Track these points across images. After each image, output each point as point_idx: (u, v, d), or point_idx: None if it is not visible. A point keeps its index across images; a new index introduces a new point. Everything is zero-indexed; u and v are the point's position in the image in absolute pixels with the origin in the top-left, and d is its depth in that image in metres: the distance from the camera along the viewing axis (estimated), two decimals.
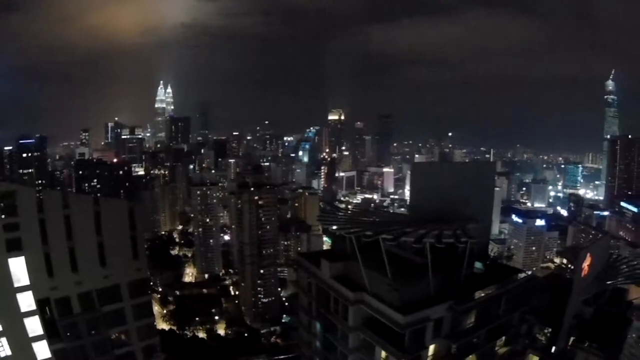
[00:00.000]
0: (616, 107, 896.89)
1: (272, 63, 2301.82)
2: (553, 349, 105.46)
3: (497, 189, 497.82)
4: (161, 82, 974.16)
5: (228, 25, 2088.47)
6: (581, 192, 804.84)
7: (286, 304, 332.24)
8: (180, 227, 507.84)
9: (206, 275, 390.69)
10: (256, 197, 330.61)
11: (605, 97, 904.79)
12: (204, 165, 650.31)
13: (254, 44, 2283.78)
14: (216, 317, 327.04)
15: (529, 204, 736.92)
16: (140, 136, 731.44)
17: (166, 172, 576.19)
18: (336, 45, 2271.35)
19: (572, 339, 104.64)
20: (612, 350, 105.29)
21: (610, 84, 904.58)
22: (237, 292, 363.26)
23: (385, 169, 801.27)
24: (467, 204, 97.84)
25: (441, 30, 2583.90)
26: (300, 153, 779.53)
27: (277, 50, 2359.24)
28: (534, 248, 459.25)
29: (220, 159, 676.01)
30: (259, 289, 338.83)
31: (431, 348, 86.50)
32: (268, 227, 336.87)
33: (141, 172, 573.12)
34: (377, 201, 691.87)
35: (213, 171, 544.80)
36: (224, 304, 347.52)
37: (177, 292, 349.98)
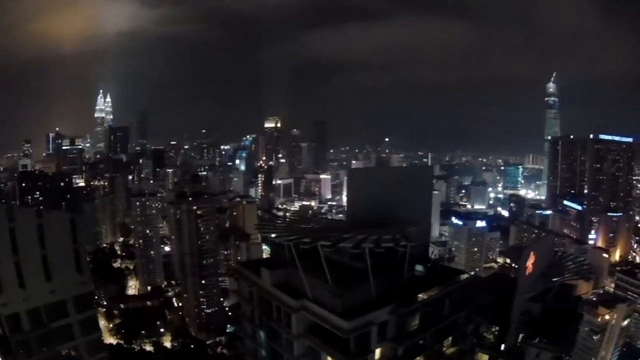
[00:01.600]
0: (557, 108, 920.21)
1: (209, 71, 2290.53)
2: (502, 346, 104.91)
3: (435, 192, 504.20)
4: (101, 91, 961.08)
5: (167, 33, 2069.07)
6: (522, 192, 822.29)
7: (229, 313, 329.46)
8: (121, 239, 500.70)
9: (149, 288, 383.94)
10: (194, 207, 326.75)
11: (546, 99, 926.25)
12: (142, 175, 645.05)
13: (192, 51, 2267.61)
14: (162, 330, 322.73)
15: (469, 206, 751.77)
16: (80, 147, 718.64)
17: (106, 183, 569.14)
18: (273, 53, 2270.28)
19: (521, 336, 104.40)
20: (564, 345, 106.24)
21: (551, 86, 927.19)
22: (180, 304, 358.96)
23: (322, 176, 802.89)
24: (405, 208, 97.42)
25: (379, 35, 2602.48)
26: (238, 161, 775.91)
27: (214, 57, 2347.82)
28: (475, 249, 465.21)
29: (158, 169, 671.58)
30: (201, 299, 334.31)
31: (377, 352, 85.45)
32: (207, 237, 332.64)
33: (82, 183, 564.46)
34: (315, 208, 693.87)
35: (152, 181, 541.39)
36: (168, 315, 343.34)
37: (122, 306, 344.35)
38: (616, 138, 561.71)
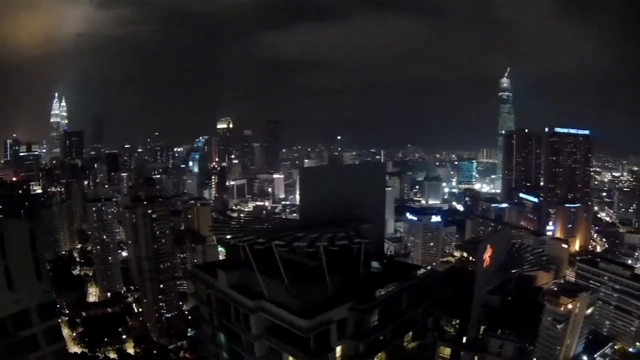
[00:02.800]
0: (511, 103, 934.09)
1: (163, 72, 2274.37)
2: (464, 339, 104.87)
3: (389, 188, 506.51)
4: (56, 95, 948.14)
5: (122, 35, 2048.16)
6: (477, 186, 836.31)
7: (189, 317, 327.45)
8: (79, 245, 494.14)
9: (109, 294, 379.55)
10: (149, 211, 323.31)
11: (500, 94, 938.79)
12: (97, 180, 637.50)
13: (147, 53, 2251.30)
14: (124, 336, 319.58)
15: (423, 202, 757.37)
16: (36, 153, 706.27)
17: (62, 189, 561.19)
18: (226, 53, 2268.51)
19: (482, 328, 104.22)
20: (527, 335, 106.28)
21: (505, 81, 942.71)
22: (140, 309, 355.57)
23: (275, 175, 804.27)
24: (358, 205, 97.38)
25: (331, 35, 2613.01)
26: (191, 163, 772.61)
27: (168, 59, 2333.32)
28: (432, 244, 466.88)
29: (113, 173, 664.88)
30: (161, 304, 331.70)
31: (338, 349, 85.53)
32: (163, 240, 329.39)
33: (39, 190, 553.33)
34: (268, 208, 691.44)
35: (107, 186, 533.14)
36: (130, 321, 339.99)
37: (84, 314, 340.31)
38: (572, 131, 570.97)
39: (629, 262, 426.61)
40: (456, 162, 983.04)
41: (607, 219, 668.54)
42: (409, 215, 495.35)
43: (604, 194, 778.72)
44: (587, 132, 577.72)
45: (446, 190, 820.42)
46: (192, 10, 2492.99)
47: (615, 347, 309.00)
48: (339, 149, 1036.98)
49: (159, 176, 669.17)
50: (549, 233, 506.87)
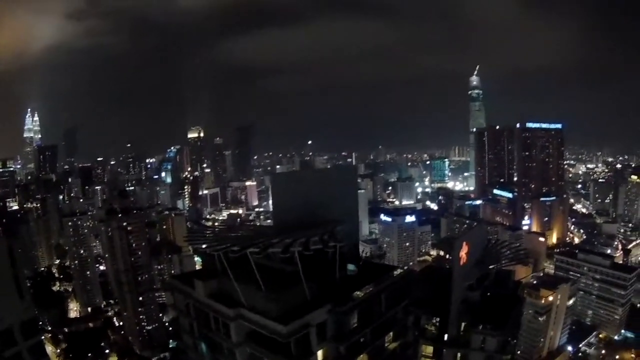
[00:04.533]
0: (481, 100, 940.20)
1: (133, 83, 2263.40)
2: (445, 336, 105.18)
3: (361, 190, 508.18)
4: (29, 109, 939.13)
5: (91, 46, 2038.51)
6: (450, 185, 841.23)
7: (170, 328, 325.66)
8: (57, 261, 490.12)
9: (89, 309, 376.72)
10: (125, 223, 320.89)
11: (470, 92, 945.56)
12: (72, 194, 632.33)
13: (116, 64, 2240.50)
14: (107, 351, 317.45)
15: (396, 202, 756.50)
16: (11, 168, 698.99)
17: (38, 205, 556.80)
18: (195, 62, 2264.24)
19: (463, 324, 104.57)
20: (509, 329, 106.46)
21: (474, 79, 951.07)
22: (121, 322, 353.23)
23: (247, 183, 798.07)
24: (331, 208, 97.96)
25: (298, 39, 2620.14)
26: (163, 174, 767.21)
27: (137, 69, 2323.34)
28: (407, 244, 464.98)
29: (87, 187, 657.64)
30: (141, 316, 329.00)
31: (319, 353, 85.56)
32: (140, 252, 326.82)
33: (15, 206, 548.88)
34: (242, 216, 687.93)
35: (81, 200, 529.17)
36: (111, 335, 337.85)
37: (66, 329, 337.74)
38: (544, 125, 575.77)
39: (608, 251, 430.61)
40: (428, 162, 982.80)
41: (584, 210, 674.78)
42: (383, 217, 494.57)
43: (579, 186, 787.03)
44: (559, 125, 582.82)
45: (419, 190, 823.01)
46: (159, 20, 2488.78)
47: (600, 335, 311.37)
48: (310, 153, 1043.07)
49: (132, 188, 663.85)
50: (525, 227, 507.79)
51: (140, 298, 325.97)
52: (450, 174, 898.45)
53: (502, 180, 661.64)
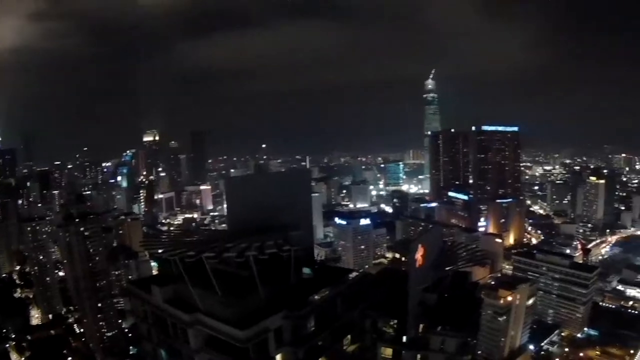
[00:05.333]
0: (436, 104, 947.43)
1: (90, 85, 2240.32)
2: (404, 338, 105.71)
3: (316, 194, 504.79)
4: None
5: (49, 49, 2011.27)
6: (405, 187, 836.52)
7: (129, 334, 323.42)
8: (18, 267, 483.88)
9: (50, 316, 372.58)
10: (82, 229, 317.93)
11: (425, 95, 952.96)
12: (30, 199, 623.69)
13: (74, 66, 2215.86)
14: (69, 359, 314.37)
15: (351, 206, 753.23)
16: None
17: None
18: (151, 65, 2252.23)
19: (422, 326, 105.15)
20: (468, 330, 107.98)
21: (430, 83, 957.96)
22: (82, 329, 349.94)
23: (202, 187, 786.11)
24: (286, 212, 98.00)
25: (254, 43, 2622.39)
26: (119, 178, 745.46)
27: (95, 72, 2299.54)
28: (363, 247, 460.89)
29: (45, 191, 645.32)
30: (101, 323, 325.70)
31: (278, 357, 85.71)
32: (97, 258, 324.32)
33: None
34: (198, 220, 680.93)
35: (40, 205, 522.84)
36: (73, 343, 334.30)
37: (29, 337, 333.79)
38: (500, 128, 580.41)
39: (567, 251, 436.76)
40: (382, 165, 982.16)
41: (541, 211, 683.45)
42: (337, 220, 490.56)
43: (536, 187, 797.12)
44: (515, 128, 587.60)
45: (374, 193, 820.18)
46: (117, 22, 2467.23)
47: (563, 334, 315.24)
48: (265, 157, 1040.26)
49: (89, 192, 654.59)
50: (482, 229, 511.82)
51: (99, 304, 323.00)
52: (404, 177, 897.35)
53: (457, 182, 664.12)
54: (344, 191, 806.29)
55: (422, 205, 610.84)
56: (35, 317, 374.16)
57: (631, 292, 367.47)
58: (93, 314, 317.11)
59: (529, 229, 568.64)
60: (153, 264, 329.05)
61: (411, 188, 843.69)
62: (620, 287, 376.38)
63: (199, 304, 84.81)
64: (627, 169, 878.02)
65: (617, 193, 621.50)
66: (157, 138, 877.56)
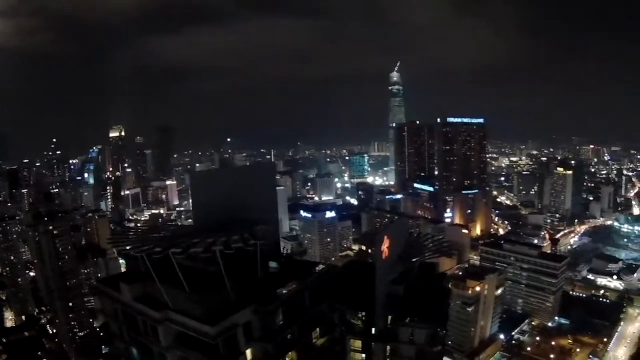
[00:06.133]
0: (401, 96, 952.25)
1: (57, 81, 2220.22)
2: (373, 330, 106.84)
3: (281, 187, 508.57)
4: None
5: (16, 45, 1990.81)
6: (370, 180, 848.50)
7: (101, 333, 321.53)
8: None
9: (23, 317, 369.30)
10: (51, 227, 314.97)
11: (390, 87, 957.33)
12: (0, 198, 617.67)
13: (41, 63, 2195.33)
14: None
15: (316, 199, 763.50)
16: None
17: None
18: (117, 60, 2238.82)
19: (390, 317, 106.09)
20: (437, 320, 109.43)
21: (395, 75, 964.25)
22: (55, 330, 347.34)
23: (168, 182, 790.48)
24: (251, 206, 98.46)
25: (221, 37, 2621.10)
26: (86, 175, 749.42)
27: (62, 68, 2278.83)
28: (328, 239, 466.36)
29: (14, 190, 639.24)
30: (72, 322, 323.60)
31: (248, 352, 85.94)
32: (67, 256, 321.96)
33: None
34: (164, 215, 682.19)
35: (9, 204, 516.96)
36: (47, 344, 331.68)
37: (4, 339, 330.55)
38: (466, 120, 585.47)
39: (535, 241, 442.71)
40: (347, 157, 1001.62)
41: (508, 202, 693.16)
42: (303, 213, 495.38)
43: (503, 178, 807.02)
44: (481, 120, 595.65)
45: (339, 185, 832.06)
46: (81, 19, 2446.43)
47: (533, 323, 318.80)
48: (230, 151, 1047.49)
49: (57, 190, 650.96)
50: (448, 220, 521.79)
51: (70, 304, 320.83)
52: (369, 169, 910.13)
53: (422, 174, 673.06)
54: (309, 184, 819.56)
55: (387, 197, 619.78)
56: (9, 319, 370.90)
57: (602, 281, 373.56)
58: (65, 314, 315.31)
59: (496, 219, 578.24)
60: (121, 261, 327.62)
61: (376, 180, 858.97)
62: (590, 277, 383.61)
63: (167, 300, 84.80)
64: (595, 160, 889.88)
65: (585, 184, 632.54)
66: (122, 134, 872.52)
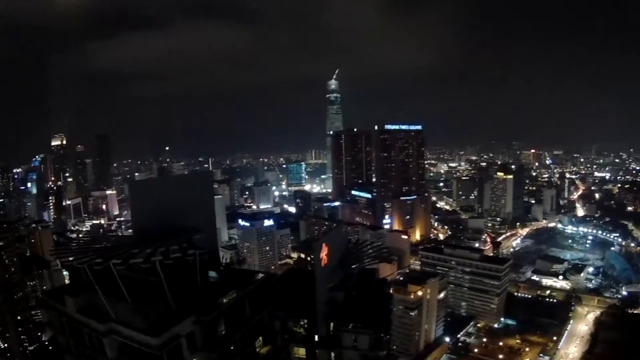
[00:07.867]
0: (339, 103, 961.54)
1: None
2: (316, 337, 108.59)
3: (219, 196, 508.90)
4: None
5: None
6: (307, 187, 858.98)
7: (50, 347, 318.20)
8: None
9: None
10: None
11: (328, 95, 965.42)
12: None
13: None
14: None
15: (254, 207, 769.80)
16: None
17: None
18: (57, 66, 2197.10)
19: (332, 324, 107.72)
20: (380, 325, 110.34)
21: (333, 83, 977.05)
22: (6, 344, 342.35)
23: (108, 192, 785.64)
24: (189, 215, 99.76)
25: (158, 44, 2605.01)
26: (29, 184, 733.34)
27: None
28: (267, 248, 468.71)
29: None
30: (22, 337, 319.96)
31: None
32: (13, 269, 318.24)
33: None
34: (105, 226, 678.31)
35: None
36: None
37: None
38: (404, 127, 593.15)
39: (476, 245, 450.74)
40: (284, 165, 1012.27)
41: (447, 207, 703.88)
42: (241, 222, 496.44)
43: (442, 184, 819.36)
44: (419, 126, 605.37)
45: (276, 193, 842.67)
46: (19, 23, 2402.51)
47: (479, 325, 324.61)
48: (168, 159, 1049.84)
49: (1, 200, 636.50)
50: (387, 226, 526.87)
51: (19, 317, 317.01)
52: (307, 177, 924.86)
53: (360, 181, 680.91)
54: (247, 193, 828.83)
55: (325, 204, 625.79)
56: None
57: (547, 281, 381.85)
58: (14, 328, 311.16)
59: (436, 224, 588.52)
60: (65, 272, 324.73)
61: (314, 188, 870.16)
62: (535, 278, 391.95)
63: (110, 312, 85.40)
64: (536, 164, 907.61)
65: (527, 187, 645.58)
66: (64, 142, 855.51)
